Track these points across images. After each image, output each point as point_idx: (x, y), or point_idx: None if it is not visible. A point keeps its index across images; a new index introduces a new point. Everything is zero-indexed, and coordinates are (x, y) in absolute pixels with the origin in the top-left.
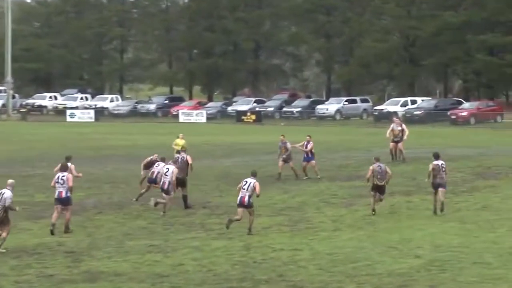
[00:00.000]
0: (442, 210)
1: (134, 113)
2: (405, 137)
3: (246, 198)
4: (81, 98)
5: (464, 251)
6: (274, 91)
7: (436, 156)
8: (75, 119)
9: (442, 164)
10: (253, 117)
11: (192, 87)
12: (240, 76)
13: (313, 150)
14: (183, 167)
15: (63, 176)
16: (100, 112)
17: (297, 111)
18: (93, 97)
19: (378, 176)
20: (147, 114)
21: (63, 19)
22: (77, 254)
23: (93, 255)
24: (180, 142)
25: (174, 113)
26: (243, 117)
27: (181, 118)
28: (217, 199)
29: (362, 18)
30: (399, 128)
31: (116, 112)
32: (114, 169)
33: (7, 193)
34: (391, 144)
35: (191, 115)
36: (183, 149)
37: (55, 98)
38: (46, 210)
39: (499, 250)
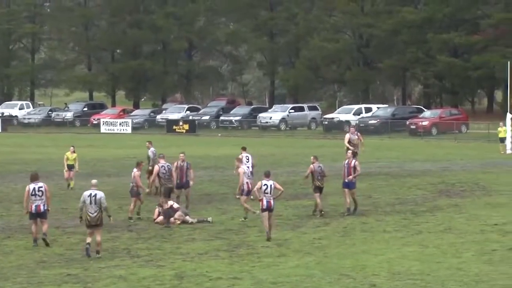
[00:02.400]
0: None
1: (47, 122)
2: (362, 148)
3: (272, 202)
4: None
5: (425, 279)
6: (210, 97)
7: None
8: None
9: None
10: (186, 126)
11: (115, 92)
12: (170, 80)
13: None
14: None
15: (41, 187)
16: (8, 121)
17: (236, 120)
18: None
19: (318, 177)
20: (63, 124)
21: None
22: None
23: (1, 286)
24: (70, 156)
25: (95, 122)
26: (174, 127)
27: (103, 128)
28: (145, 221)
29: (310, 14)
30: (356, 137)
31: (26, 121)
32: (25, 186)
33: (99, 193)
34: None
35: (114, 124)
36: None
37: None
38: None
39: (464, 277)
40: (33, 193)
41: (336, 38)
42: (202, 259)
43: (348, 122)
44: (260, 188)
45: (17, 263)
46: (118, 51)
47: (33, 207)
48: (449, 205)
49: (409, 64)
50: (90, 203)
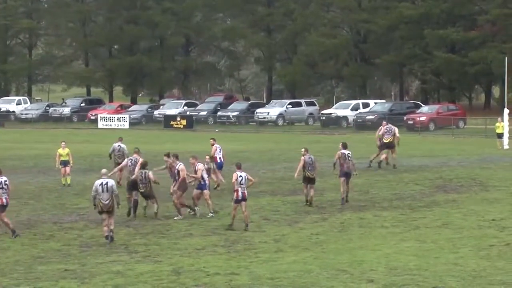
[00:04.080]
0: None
1: (45, 118)
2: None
3: (246, 192)
4: None
5: (423, 274)
6: (208, 93)
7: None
8: None
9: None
10: (184, 122)
11: (113, 88)
12: (168, 76)
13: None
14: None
15: (6, 181)
16: (5, 117)
17: (234, 116)
18: None
19: (309, 168)
20: (61, 119)
21: None
22: None
23: None
24: (62, 151)
25: (92, 117)
26: (172, 122)
27: (100, 124)
28: (141, 217)
29: (307, 10)
30: (386, 130)
31: (24, 116)
32: (22, 182)
33: (110, 181)
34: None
35: (111, 120)
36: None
37: None
38: None
39: (461, 272)
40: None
41: (334, 33)
42: (200, 254)
43: (345, 117)
44: (236, 179)
45: (14, 258)
46: (115, 46)
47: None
48: (447, 201)
49: (407, 60)
50: (102, 191)
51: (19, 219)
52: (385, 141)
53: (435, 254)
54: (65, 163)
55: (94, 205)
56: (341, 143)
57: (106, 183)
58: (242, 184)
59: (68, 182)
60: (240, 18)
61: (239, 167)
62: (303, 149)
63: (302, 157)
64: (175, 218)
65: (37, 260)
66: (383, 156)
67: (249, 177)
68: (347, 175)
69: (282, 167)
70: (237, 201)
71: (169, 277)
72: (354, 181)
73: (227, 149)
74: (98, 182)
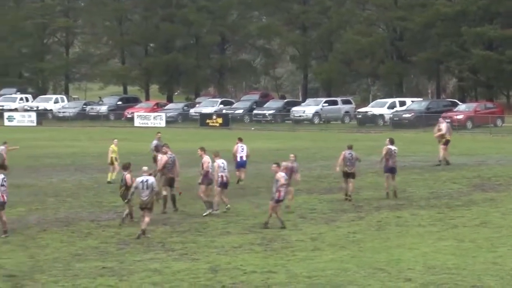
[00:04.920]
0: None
1: (82, 116)
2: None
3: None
4: (21, 99)
5: (461, 273)
6: (243, 91)
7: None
8: (14, 123)
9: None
10: (220, 120)
11: (149, 86)
12: (203, 74)
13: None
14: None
15: (4, 178)
16: (43, 115)
17: (269, 114)
18: (34, 97)
19: (348, 163)
20: (97, 117)
21: None
22: (18, 278)
23: (37, 279)
24: (115, 148)
25: (129, 116)
26: (208, 121)
27: (137, 122)
28: (179, 214)
29: (343, 7)
30: (444, 124)
31: (61, 115)
32: (60, 180)
33: (151, 179)
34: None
35: (148, 118)
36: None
37: None
38: None
39: (500, 271)
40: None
41: (369, 31)
42: (237, 252)
43: (382, 116)
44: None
45: (53, 256)
46: (151, 45)
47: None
48: (485, 199)
49: (443, 57)
50: (143, 188)
51: (57, 217)
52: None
53: (473, 253)
54: (114, 160)
55: (128, 199)
56: (388, 139)
57: (147, 180)
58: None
59: (113, 178)
60: (275, 16)
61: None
62: (347, 146)
63: (343, 152)
64: (204, 214)
65: (75, 258)
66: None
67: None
68: (392, 170)
69: (318, 165)
70: (279, 201)
71: (206, 275)
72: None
73: (262, 147)
74: (139, 179)
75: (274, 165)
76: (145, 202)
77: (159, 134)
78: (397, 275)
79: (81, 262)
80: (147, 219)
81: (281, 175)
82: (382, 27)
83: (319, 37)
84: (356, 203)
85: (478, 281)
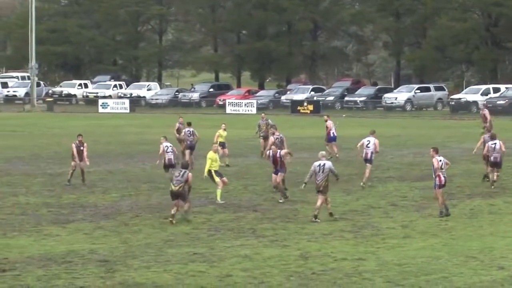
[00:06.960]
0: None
1: (174, 103)
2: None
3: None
4: (115, 86)
5: None
6: (335, 78)
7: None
8: (108, 110)
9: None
10: (311, 107)
11: (241, 73)
12: (295, 61)
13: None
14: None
15: None
16: (136, 102)
17: (361, 101)
18: (128, 85)
19: (492, 153)
20: (189, 104)
21: None
22: (111, 263)
23: (129, 265)
24: (223, 133)
25: (220, 103)
26: (299, 108)
27: (228, 109)
28: (269, 201)
29: None
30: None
31: (154, 102)
32: (153, 167)
33: (328, 163)
34: None
35: (239, 105)
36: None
37: (85, 86)
38: (74, 213)
39: None
40: None
41: (464, 17)
42: (327, 239)
43: (475, 102)
44: (438, 164)
45: (145, 241)
46: (243, 32)
47: None
48: None
49: None
50: (319, 171)
51: (149, 203)
52: None
53: None
54: (223, 144)
55: (305, 183)
56: (489, 135)
57: (324, 164)
58: (443, 168)
59: (226, 163)
60: (368, 3)
61: (437, 151)
62: (489, 136)
63: (487, 144)
64: (280, 200)
65: (167, 243)
66: None
67: (447, 161)
68: (495, 164)
69: (410, 152)
70: (441, 186)
71: (296, 262)
72: (482, 167)
73: (354, 134)
74: (316, 163)
75: (431, 150)
76: (318, 185)
77: (181, 118)
78: (489, 264)
79: (172, 248)
80: (319, 202)
81: (436, 159)
82: (477, 12)
83: (412, 23)
84: (449, 191)
85: None
